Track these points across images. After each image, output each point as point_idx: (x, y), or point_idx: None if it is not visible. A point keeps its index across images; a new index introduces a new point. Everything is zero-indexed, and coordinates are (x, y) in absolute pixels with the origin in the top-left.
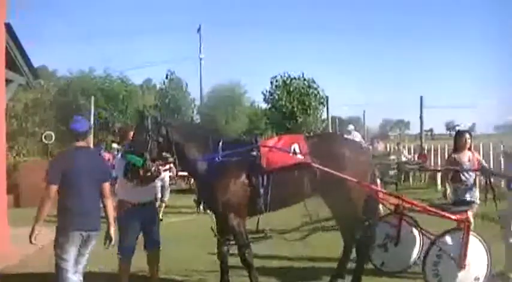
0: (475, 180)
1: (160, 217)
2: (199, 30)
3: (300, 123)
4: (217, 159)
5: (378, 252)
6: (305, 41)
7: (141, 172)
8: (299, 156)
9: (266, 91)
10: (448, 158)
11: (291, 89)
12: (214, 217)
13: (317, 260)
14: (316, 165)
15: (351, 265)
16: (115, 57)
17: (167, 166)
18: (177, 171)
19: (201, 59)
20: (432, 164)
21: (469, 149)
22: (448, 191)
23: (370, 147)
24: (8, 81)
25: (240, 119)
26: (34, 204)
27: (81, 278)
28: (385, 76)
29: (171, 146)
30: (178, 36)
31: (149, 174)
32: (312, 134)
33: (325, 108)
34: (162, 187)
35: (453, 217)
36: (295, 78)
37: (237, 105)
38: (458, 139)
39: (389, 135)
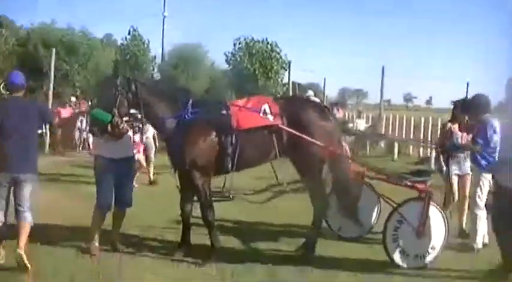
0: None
1: (152, 179)
2: None
3: (260, 87)
4: (186, 117)
5: (336, 217)
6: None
7: (109, 128)
8: (269, 117)
9: (228, 52)
10: (443, 127)
11: (254, 52)
12: (177, 175)
13: (281, 224)
14: (285, 128)
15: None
16: (78, 11)
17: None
18: None
19: (164, 17)
20: (390, 133)
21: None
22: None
23: None
24: None
25: (200, 78)
26: None
27: (27, 217)
28: (345, 44)
29: (140, 103)
30: None
31: (117, 130)
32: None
33: (286, 73)
34: (146, 145)
35: (418, 187)
36: (258, 41)
37: (198, 64)
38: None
39: (348, 104)
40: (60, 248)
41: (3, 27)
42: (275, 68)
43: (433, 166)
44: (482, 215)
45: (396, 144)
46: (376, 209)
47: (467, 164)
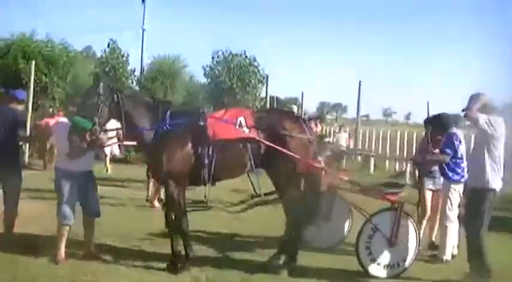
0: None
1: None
2: (144, 0)
3: (237, 100)
4: (164, 128)
5: (309, 227)
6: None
7: (87, 136)
8: (245, 130)
9: (206, 66)
10: (422, 141)
11: (232, 66)
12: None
13: (254, 234)
14: (261, 140)
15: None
16: (57, 23)
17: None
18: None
19: (143, 30)
20: (366, 148)
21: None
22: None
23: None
24: None
25: (178, 92)
26: None
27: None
28: (325, 57)
29: (121, 113)
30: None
31: (94, 138)
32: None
33: (264, 87)
34: None
35: (391, 198)
36: (236, 54)
37: (175, 78)
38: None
39: (326, 118)
40: (33, 258)
41: None
42: (253, 81)
43: (407, 180)
44: (452, 227)
45: (372, 159)
46: (348, 220)
47: (442, 179)
